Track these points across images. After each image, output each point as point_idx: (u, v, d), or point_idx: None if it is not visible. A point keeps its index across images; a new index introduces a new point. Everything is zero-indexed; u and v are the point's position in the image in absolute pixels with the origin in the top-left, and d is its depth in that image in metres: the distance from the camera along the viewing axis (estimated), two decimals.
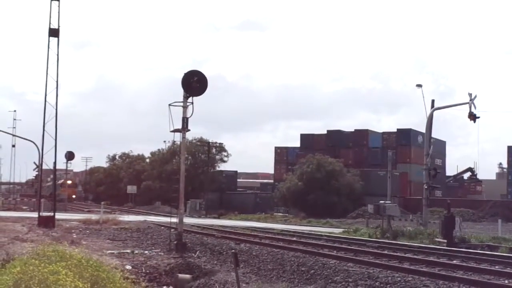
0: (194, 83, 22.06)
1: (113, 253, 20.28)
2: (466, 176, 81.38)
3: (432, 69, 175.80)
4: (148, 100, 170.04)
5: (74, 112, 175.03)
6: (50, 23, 30.14)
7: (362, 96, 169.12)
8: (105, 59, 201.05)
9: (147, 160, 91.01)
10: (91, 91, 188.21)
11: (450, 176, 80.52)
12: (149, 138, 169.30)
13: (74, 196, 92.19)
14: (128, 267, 17.21)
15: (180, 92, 22.32)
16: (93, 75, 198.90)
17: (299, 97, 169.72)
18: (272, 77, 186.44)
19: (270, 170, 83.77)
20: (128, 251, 21.26)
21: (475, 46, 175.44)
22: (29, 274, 9.78)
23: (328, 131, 76.42)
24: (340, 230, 36.01)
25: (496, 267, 16.24)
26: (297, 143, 78.33)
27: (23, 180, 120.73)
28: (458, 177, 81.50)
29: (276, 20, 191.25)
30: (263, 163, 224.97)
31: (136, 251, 21.28)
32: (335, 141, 72.70)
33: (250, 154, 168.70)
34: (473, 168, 78.22)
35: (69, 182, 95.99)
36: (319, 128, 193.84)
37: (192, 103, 22.13)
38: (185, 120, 22.14)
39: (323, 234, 30.26)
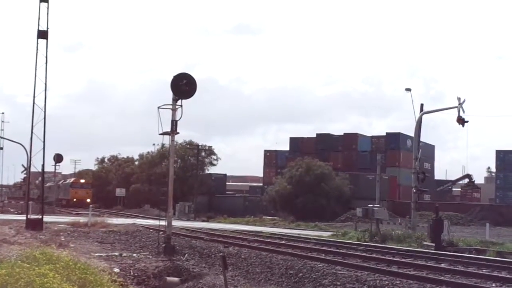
0: (183, 86, 22.03)
1: (101, 256, 20.20)
2: (459, 183, 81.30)
3: (423, 73, 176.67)
4: (139, 103, 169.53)
5: (64, 115, 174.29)
6: (38, 25, 30.03)
7: (353, 99, 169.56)
8: (96, 62, 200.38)
9: (136, 163, 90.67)
10: (81, 94, 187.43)
11: (440, 180, 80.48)
12: (138, 141, 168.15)
13: (89, 200, 75.47)
14: (116, 270, 17.15)
15: (171, 95, 22.34)
16: (83, 78, 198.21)
17: (291, 101, 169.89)
18: (264, 80, 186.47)
19: (260, 173, 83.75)
20: (116, 254, 21.19)
21: (466, 51, 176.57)
22: (15, 277, 9.73)
23: (317, 134, 76.27)
24: (329, 233, 36.04)
25: (484, 270, 16.31)
26: (288, 147, 78.21)
27: (11, 183, 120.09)
28: (456, 183, 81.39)
29: (269, 24, 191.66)
30: (253, 167, 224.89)
31: (124, 254, 21.20)
32: (324, 144, 72.62)
33: (241, 157, 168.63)
34: (471, 174, 78.12)
35: (82, 180, 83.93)
36: (310, 131, 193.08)
37: (181, 106, 22.12)
38: (174, 123, 22.11)
39: (311, 237, 30.25)
